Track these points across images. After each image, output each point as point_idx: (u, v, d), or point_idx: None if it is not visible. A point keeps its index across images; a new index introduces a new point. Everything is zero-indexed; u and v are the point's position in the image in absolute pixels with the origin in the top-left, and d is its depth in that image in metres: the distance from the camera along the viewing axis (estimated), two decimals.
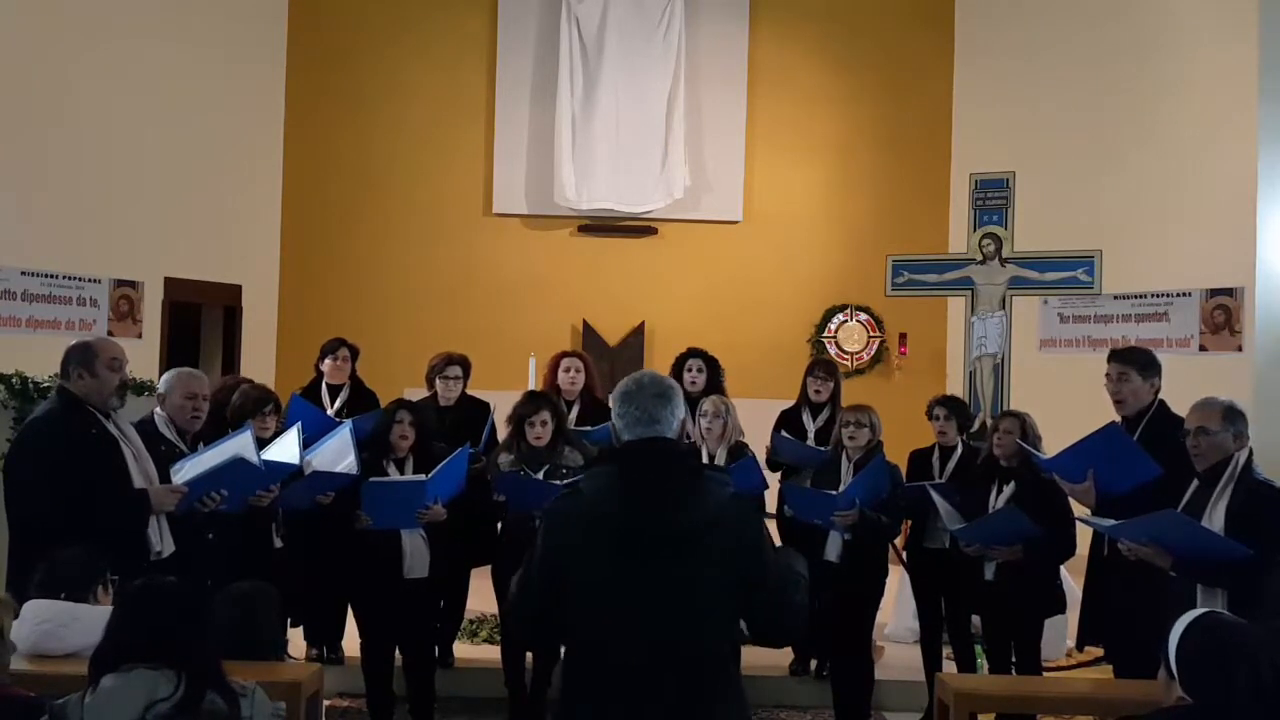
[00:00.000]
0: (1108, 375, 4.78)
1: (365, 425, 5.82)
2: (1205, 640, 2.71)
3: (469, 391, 6.39)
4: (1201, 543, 3.83)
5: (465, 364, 6.33)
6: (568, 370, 6.31)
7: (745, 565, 2.71)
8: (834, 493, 5.24)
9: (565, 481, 5.09)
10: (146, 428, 4.54)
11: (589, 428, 6.06)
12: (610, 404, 2.84)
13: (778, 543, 6.18)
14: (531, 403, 5.43)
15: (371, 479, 4.98)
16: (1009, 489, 5.10)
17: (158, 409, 4.67)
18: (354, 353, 6.55)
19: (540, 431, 5.33)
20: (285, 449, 4.86)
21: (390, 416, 5.23)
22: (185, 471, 4.40)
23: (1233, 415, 4.02)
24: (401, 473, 5.17)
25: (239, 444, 4.52)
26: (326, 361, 6.47)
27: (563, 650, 2.82)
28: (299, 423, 5.15)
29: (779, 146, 10.92)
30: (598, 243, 10.84)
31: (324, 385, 6.49)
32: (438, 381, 6.22)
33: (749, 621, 2.80)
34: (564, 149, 10.68)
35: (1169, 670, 2.76)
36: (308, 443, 5.29)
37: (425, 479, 4.95)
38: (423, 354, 6.52)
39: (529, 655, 5.55)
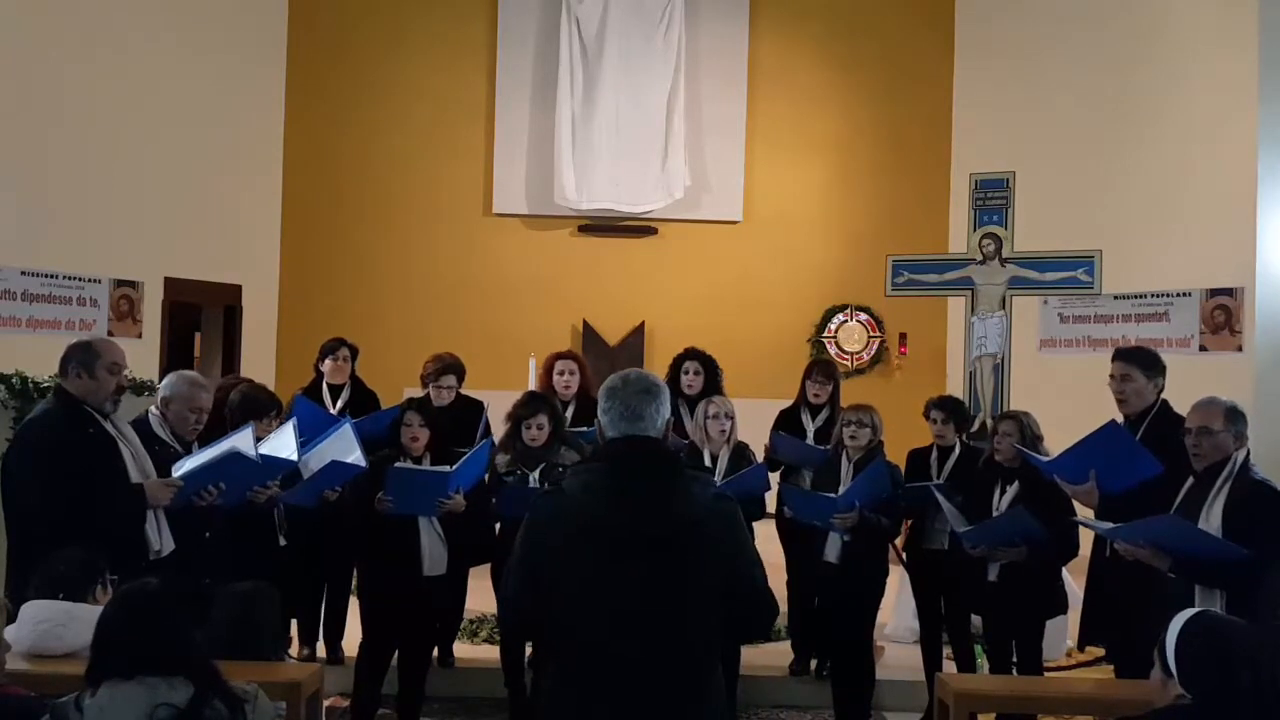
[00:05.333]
0: (1111, 375, 4.79)
1: (368, 426, 5.82)
2: (1205, 640, 2.72)
3: (464, 391, 6.39)
4: (1200, 545, 3.83)
5: (460, 371, 6.33)
6: (561, 373, 6.32)
7: (729, 565, 2.71)
8: (833, 495, 5.24)
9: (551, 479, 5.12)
10: (141, 427, 4.50)
11: (585, 428, 6.06)
12: (597, 400, 2.83)
13: (779, 542, 6.22)
14: (530, 405, 5.48)
15: (397, 464, 5.01)
16: (1013, 489, 5.09)
17: (153, 408, 4.61)
18: (354, 352, 6.54)
19: (536, 434, 5.39)
20: (281, 445, 4.84)
21: (400, 418, 5.24)
22: (185, 470, 4.39)
23: (1234, 416, 4.04)
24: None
25: (237, 440, 4.52)
26: (327, 362, 6.47)
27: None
28: (293, 419, 5.13)
29: (779, 146, 10.92)
30: (598, 243, 10.85)
31: (324, 385, 6.48)
32: (431, 390, 6.22)
33: (728, 619, 2.79)
34: (564, 149, 10.69)
35: (1165, 669, 2.77)
36: (312, 443, 5.29)
37: (450, 470, 4.99)
38: (422, 354, 6.52)
39: (528, 655, 5.56)
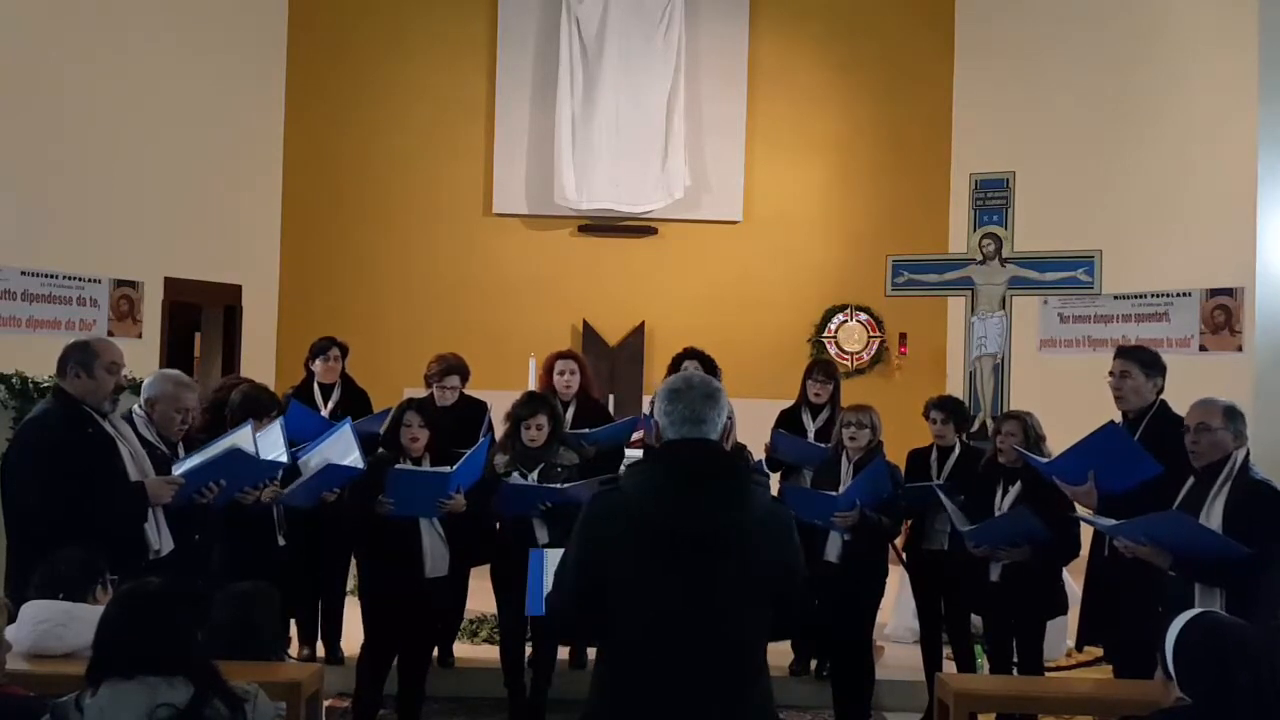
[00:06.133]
0: (1111, 371, 4.80)
1: (367, 427, 5.82)
2: (1204, 641, 2.72)
3: (466, 391, 6.39)
4: (1202, 542, 3.83)
5: (464, 372, 6.33)
6: (562, 373, 6.31)
7: (781, 567, 2.74)
8: (834, 494, 5.24)
9: (601, 479, 5.11)
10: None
11: (586, 429, 6.06)
12: (655, 401, 2.85)
13: None
14: (529, 405, 5.48)
15: (397, 466, 5.02)
16: (1015, 489, 5.10)
17: (137, 408, 4.57)
18: (344, 351, 6.52)
19: (535, 434, 5.39)
20: (269, 445, 4.84)
21: (399, 419, 5.23)
22: (186, 467, 4.39)
23: (1233, 415, 4.06)
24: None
25: (237, 438, 4.52)
26: (317, 362, 6.45)
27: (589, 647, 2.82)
28: (281, 419, 5.13)
29: (779, 146, 10.91)
30: (598, 243, 10.85)
31: (315, 385, 6.47)
32: (435, 390, 6.22)
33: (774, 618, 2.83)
34: (564, 149, 10.68)
35: (1166, 670, 2.77)
36: (312, 443, 5.29)
37: (450, 471, 4.99)
38: (423, 354, 6.52)
39: (528, 655, 5.55)
